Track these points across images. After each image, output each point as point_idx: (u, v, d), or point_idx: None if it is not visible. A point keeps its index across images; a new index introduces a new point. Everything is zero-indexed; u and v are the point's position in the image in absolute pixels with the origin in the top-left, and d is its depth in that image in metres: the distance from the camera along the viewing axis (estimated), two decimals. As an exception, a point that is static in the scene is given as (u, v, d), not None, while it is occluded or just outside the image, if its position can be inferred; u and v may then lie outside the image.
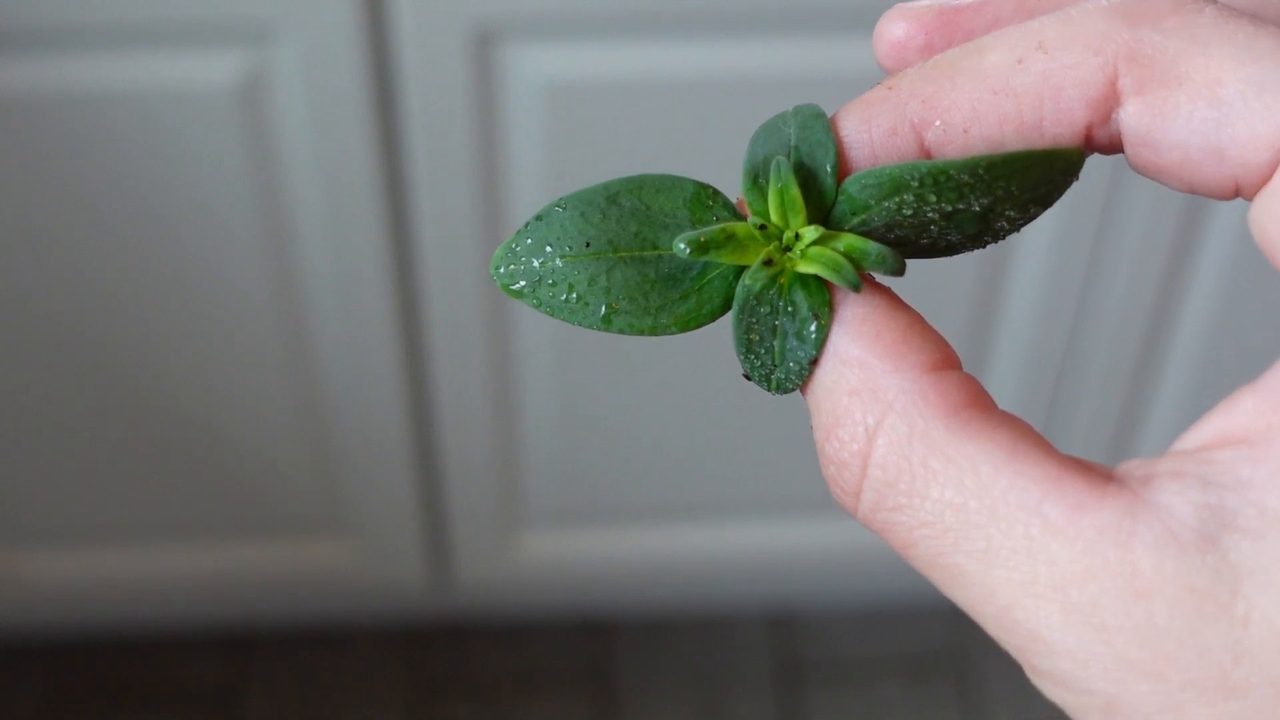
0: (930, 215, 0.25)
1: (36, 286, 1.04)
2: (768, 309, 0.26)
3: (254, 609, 1.33)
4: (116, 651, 1.34)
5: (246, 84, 0.93)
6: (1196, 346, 1.10)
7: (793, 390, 0.26)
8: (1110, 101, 0.25)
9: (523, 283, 0.27)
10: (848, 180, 0.26)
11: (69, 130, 0.95)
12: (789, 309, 0.26)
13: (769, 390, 0.26)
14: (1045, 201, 0.26)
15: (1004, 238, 0.26)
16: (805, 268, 0.26)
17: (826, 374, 0.26)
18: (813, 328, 0.25)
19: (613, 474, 1.21)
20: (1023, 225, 0.26)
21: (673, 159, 0.99)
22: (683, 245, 0.25)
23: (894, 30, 0.28)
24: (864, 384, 0.25)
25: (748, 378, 0.26)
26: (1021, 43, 0.26)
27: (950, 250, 0.27)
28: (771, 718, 1.32)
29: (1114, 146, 0.26)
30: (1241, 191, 0.24)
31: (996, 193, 0.25)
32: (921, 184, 0.25)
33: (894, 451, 0.25)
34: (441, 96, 0.94)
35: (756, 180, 0.27)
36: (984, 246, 0.26)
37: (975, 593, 0.24)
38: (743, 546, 1.26)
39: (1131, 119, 0.25)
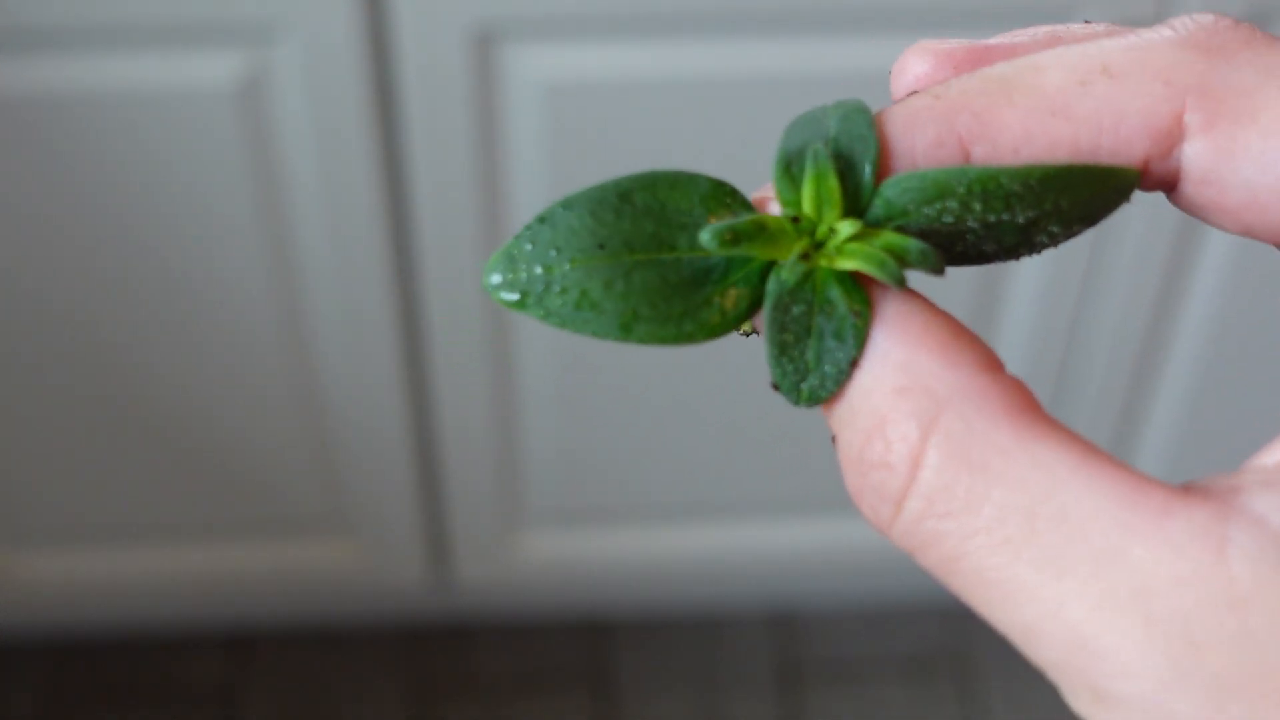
0: (971, 225, 0.24)
1: (36, 286, 1.04)
2: (803, 307, 0.24)
3: (254, 609, 1.33)
4: (116, 651, 1.33)
5: (246, 84, 0.93)
6: (1193, 358, 1.10)
7: (826, 398, 0.24)
8: (1174, 135, 0.24)
9: (524, 293, 0.24)
10: (886, 182, 0.24)
11: (68, 130, 0.95)
12: (825, 307, 0.24)
13: (797, 402, 0.24)
14: (1092, 220, 0.24)
15: (1040, 252, 0.25)
16: (844, 263, 0.24)
17: (867, 375, 0.24)
18: (852, 325, 0.24)
19: (612, 474, 1.21)
20: (1062, 241, 0.25)
21: (674, 160, 0.99)
22: (710, 237, 0.24)
23: (918, 66, 0.27)
24: (913, 382, 0.23)
25: (776, 388, 0.24)
26: (1084, 64, 0.24)
27: (981, 260, 0.25)
28: (771, 718, 1.32)
29: (1165, 183, 0.25)
30: None
31: (1045, 206, 0.24)
32: (968, 191, 0.24)
33: (951, 451, 0.23)
34: (441, 96, 0.94)
35: (790, 169, 0.25)
36: (1017, 259, 0.25)
37: (1035, 610, 0.22)
38: (743, 546, 1.26)
39: (1197, 154, 0.24)
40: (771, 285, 0.24)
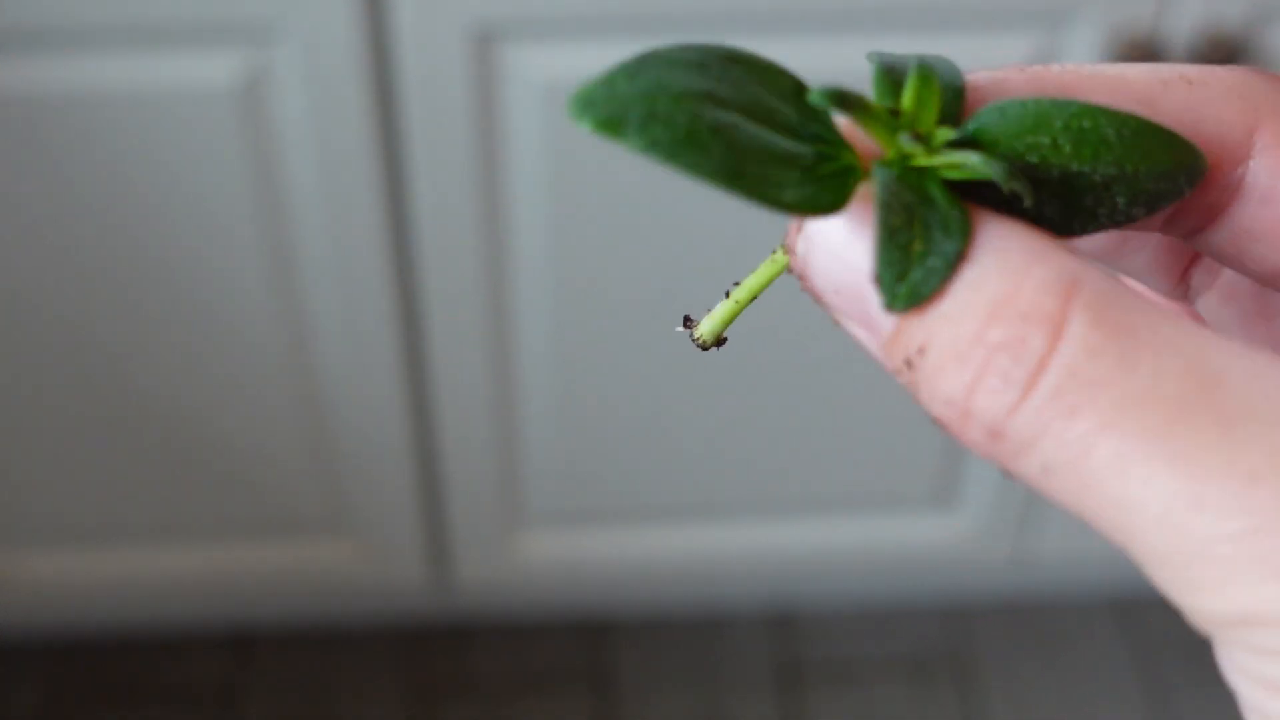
0: (1050, 174, 0.23)
1: (35, 287, 1.04)
2: (909, 197, 0.23)
3: (254, 609, 1.33)
4: (117, 651, 1.33)
5: (247, 84, 0.93)
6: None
7: (929, 295, 0.22)
8: (1244, 148, 0.24)
9: (620, 121, 0.22)
10: (984, 108, 0.24)
11: (67, 130, 0.95)
12: (928, 202, 0.23)
13: (892, 303, 0.22)
14: (1152, 203, 0.24)
15: (1088, 232, 0.24)
16: (948, 160, 0.23)
17: (987, 258, 0.22)
18: (958, 220, 0.22)
19: (613, 474, 1.20)
20: (1110, 225, 0.24)
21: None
22: (820, 94, 0.22)
23: None
24: (1039, 259, 0.22)
25: (877, 281, 0.22)
26: (1164, 71, 0.24)
27: (1037, 223, 0.24)
28: (771, 718, 1.31)
29: (1215, 206, 0.24)
30: None
31: (1126, 166, 0.23)
32: (1065, 127, 0.23)
33: (1097, 316, 0.21)
34: (441, 96, 0.94)
35: (889, 75, 0.24)
36: (1070, 233, 0.24)
37: (1200, 484, 0.20)
38: (743, 546, 1.26)
39: (1265, 170, 0.24)
40: (878, 171, 0.23)
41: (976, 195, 0.23)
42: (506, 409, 1.14)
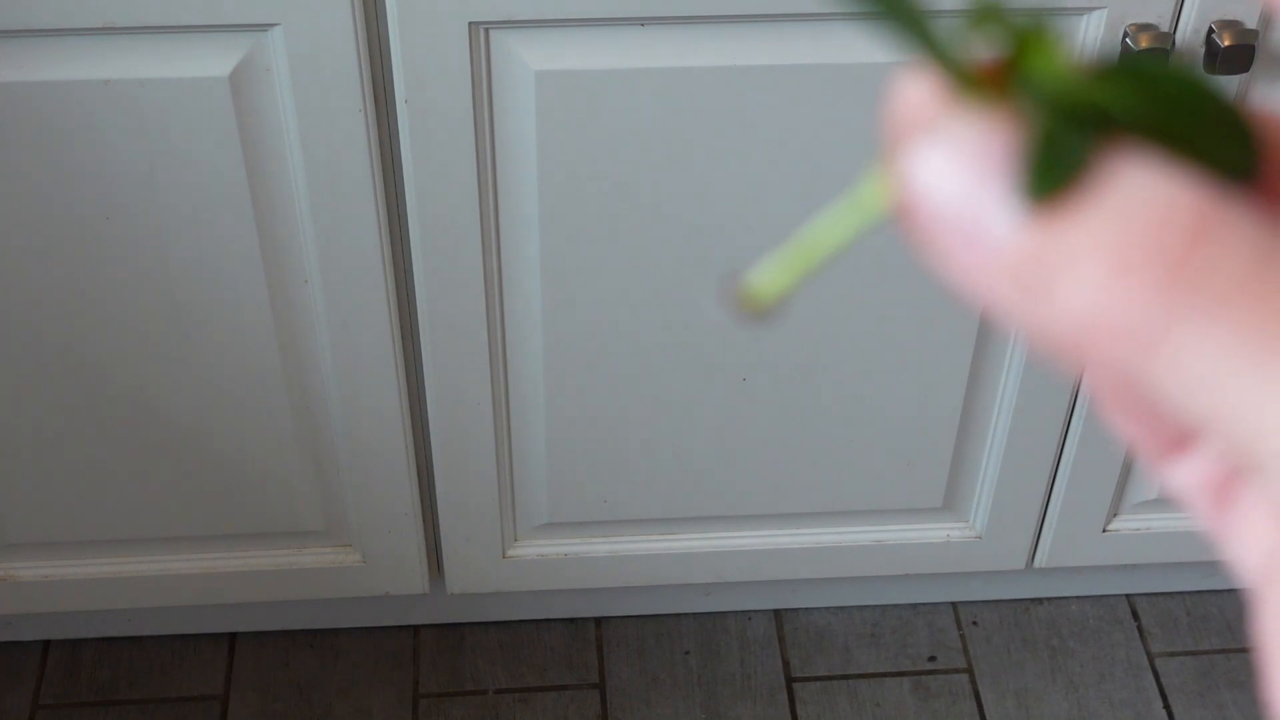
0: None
1: (30, 296, 1.03)
2: (1054, 110, 0.22)
3: (253, 613, 1.32)
4: (116, 656, 1.33)
5: (241, 74, 0.93)
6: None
7: (1068, 191, 0.22)
8: None
9: None
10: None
11: (61, 123, 0.94)
12: (1071, 116, 0.23)
13: (1040, 190, 0.22)
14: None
15: None
16: (1083, 87, 0.23)
17: (1117, 177, 0.22)
18: (1092, 135, 0.22)
19: (611, 479, 1.20)
20: None
21: (665, 148, 0.98)
22: (977, 13, 0.22)
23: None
24: (1172, 171, 0.22)
25: (1022, 177, 0.22)
26: None
27: None
28: (771, 718, 1.31)
29: None
30: None
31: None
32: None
33: (1242, 214, 0.21)
34: (435, 84, 0.93)
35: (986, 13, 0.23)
36: None
37: None
38: (742, 547, 1.25)
39: None
40: (1030, 78, 0.23)
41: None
42: (504, 412, 1.13)
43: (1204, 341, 0.21)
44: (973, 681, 1.33)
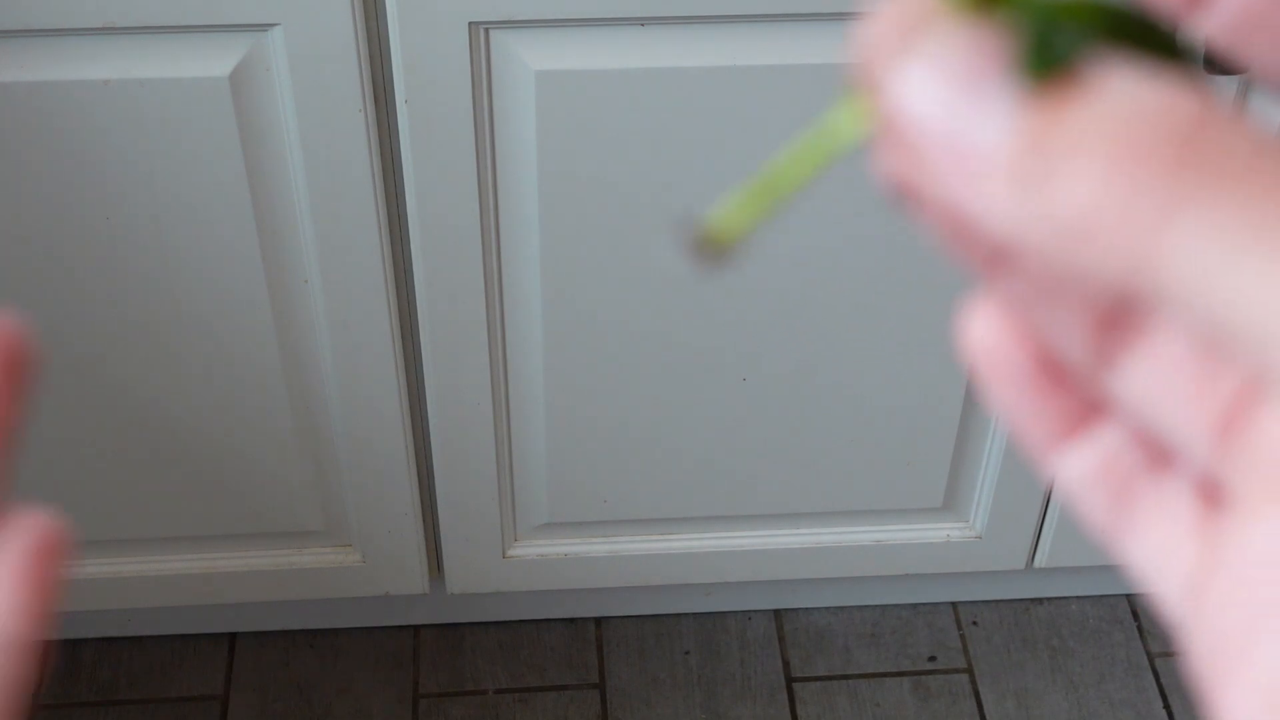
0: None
1: (34, 292, 1.03)
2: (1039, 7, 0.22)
3: (253, 613, 1.32)
4: (116, 656, 1.33)
5: (241, 74, 0.93)
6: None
7: (1068, 68, 0.21)
8: None
9: None
10: None
11: (59, 122, 0.94)
12: (1053, 11, 0.22)
13: (1039, 66, 0.21)
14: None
15: None
16: None
17: (1111, 70, 0.22)
18: (1080, 26, 0.22)
19: (611, 480, 1.20)
20: None
21: (665, 148, 0.98)
22: None
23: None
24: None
25: (1018, 58, 0.22)
26: None
27: None
28: (771, 718, 1.31)
29: None
30: None
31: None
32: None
33: (1232, 110, 0.21)
34: (436, 84, 0.93)
35: None
36: None
37: None
38: (742, 547, 1.25)
39: None
40: None
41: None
42: (504, 410, 1.13)
43: (1211, 225, 0.20)
44: (973, 681, 1.33)
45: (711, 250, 0.22)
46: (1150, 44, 0.23)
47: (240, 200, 0.99)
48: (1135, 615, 1.38)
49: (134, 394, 1.11)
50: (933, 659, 1.35)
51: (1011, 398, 0.28)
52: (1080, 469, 0.28)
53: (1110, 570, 1.34)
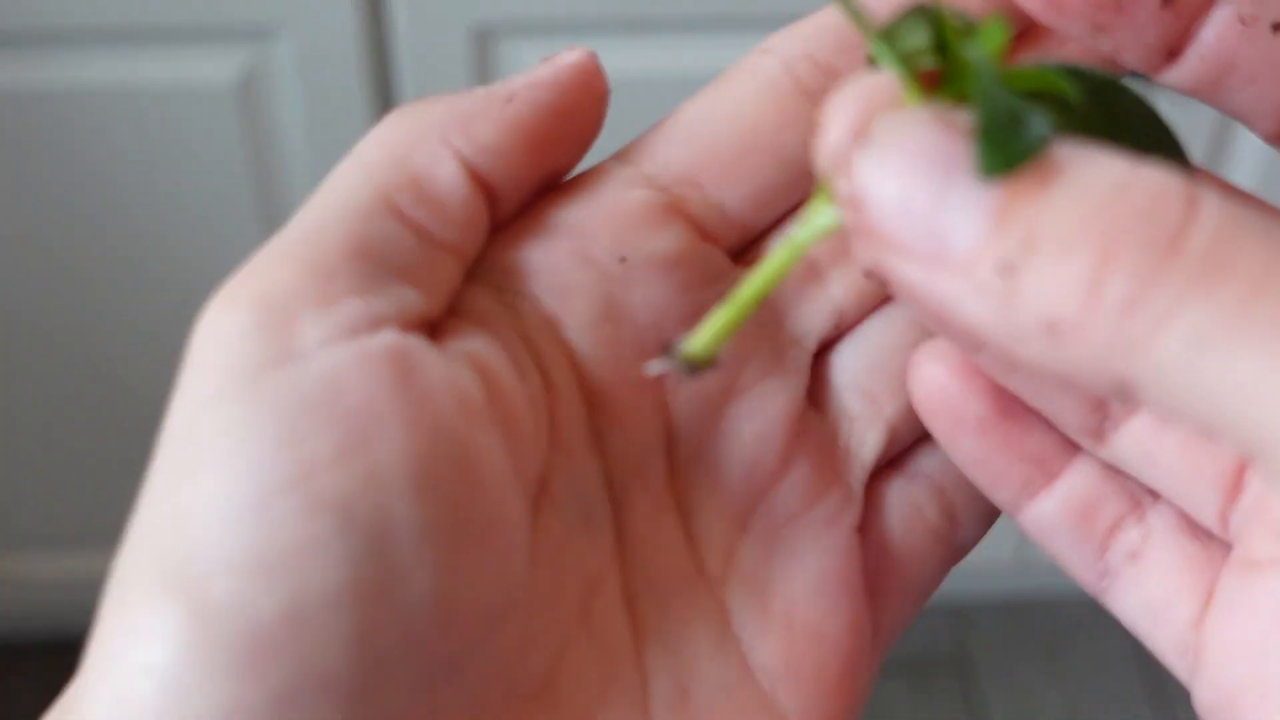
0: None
1: (31, 291, 1.03)
2: (1002, 89, 0.21)
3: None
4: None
5: (246, 81, 0.93)
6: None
7: (1034, 160, 0.20)
8: None
9: None
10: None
11: (62, 128, 0.95)
12: (1014, 97, 0.21)
13: (1002, 163, 0.20)
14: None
15: None
16: (1016, 71, 0.22)
17: (1081, 152, 0.20)
18: (1042, 111, 0.21)
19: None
20: None
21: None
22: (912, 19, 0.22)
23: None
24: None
25: (979, 150, 0.20)
26: None
27: None
28: (771, 717, 1.31)
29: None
30: None
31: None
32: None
33: (1224, 192, 0.19)
34: (439, 89, 0.93)
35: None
36: None
37: None
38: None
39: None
40: (977, 60, 0.22)
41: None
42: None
43: (1203, 332, 0.18)
44: (972, 681, 1.34)
45: (694, 368, 0.24)
46: (1126, 116, 0.22)
47: (245, 206, 0.99)
48: (1133, 614, 1.38)
49: (141, 401, 1.11)
50: (933, 659, 1.35)
51: (969, 448, 0.26)
52: (1053, 515, 0.26)
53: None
